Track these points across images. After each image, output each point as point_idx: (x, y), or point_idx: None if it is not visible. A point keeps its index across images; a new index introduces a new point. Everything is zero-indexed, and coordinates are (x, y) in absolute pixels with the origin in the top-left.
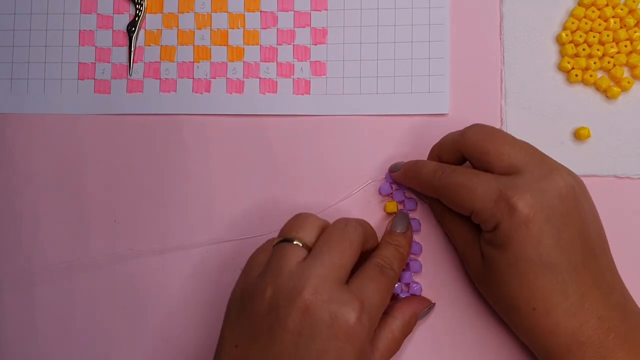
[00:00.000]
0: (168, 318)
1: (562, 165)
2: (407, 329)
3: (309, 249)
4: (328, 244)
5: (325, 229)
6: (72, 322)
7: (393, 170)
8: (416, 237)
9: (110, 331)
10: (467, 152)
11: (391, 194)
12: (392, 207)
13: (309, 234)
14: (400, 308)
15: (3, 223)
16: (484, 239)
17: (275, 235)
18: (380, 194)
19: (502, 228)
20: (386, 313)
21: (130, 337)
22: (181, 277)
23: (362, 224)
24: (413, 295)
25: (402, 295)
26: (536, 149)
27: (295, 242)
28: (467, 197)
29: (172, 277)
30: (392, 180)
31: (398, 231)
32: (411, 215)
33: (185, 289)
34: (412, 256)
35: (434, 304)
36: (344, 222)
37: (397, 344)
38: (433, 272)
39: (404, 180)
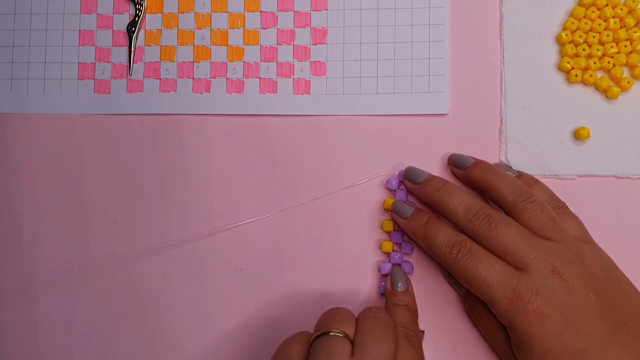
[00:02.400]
0: (168, 318)
1: (571, 243)
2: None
3: (350, 341)
4: (372, 336)
5: (357, 320)
6: (72, 322)
7: (398, 212)
8: (408, 238)
9: (110, 331)
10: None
11: (394, 191)
12: (391, 203)
13: (348, 326)
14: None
15: (3, 223)
16: (513, 343)
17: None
18: (386, 187)
19: (520, 326)
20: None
21: (130, 337)
22: (181, 277)
23: (387, 313)
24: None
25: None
26: (539, 241)
27: (333, 334)
28: (483, 289)
29: (172, 277)
30: (402, 178)
31: (399, 289)
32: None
33: (185, 289)
34: (404, 257)
35: (422, 331)
36: (375, 310)
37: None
38: (424, 274)
39: (412, 231)
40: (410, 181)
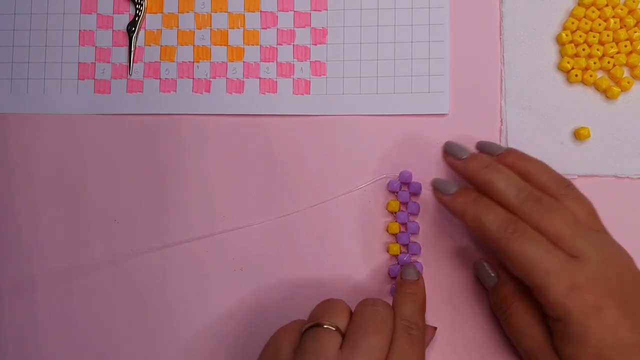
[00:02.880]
0: (168, 318)
1: (615, 243)
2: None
3: (342, 334)
4: (363, 329)
5: (352, 313)
6: (72, 321)
7: (441, 189)
8: (415, 239)
9: (110, 331)
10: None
11: (397, 192)
12: (394, 206)
13: (340, 319)
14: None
15: (3, 223)
16: (558, 337)
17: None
18: (388, 190)
19: (577, 317)
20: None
21: (130, 337)
22: (181, 277)
23: (387, 304)
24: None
25: None
26: (592, 232)
27: (326, 326)
28: (540, 273)
29: (172, 277)
30: (404, 180)
31: (408, 278)
32: (411, 219)
33: (185, 289)
34: (412, 258)
35: (434, 328)
36: (372, 302)
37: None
38: (434, 273)
39: (460, 208)
40: (452, 156)
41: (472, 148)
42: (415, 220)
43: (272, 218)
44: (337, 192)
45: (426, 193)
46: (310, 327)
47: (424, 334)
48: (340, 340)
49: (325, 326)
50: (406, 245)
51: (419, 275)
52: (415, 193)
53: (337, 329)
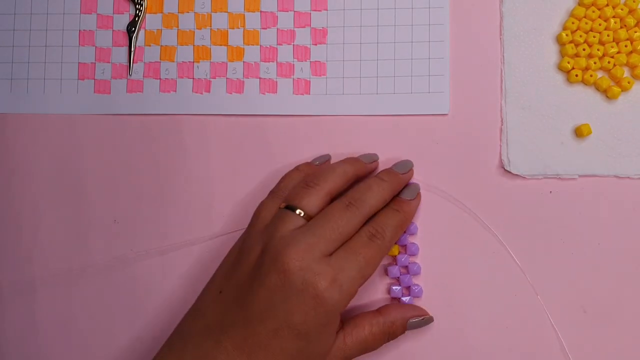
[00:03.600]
0: (168, 318)
1: None
2: (391, 331)
3: (309, 219)
4: (326, 219)
5: (331, 197)
6: (72, 321)
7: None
8: (413, 239)
9: (110, 331)
10: None
11: None
12: None
13: (312, 205)
14: (389, 309)
15: (3, 223)
16: None
17: None
18: None
19: None
20: (376, 310)
21: (131, 337)
22: (181, 277)
23: (364, 211)
24: (410, 304)
25: (404, 299)
26: None
27: (297, 212)
28: None
29: (172, 277)
30: None
31: (404, 197)
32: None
33: (185, 289)
34: (410, 258)
35: (431, 317)
36: (347, 203)
37: (374, 340)
38: (433, 274)
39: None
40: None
41: (471, 149)
42: (413, 221)
43: None
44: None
45: (424, 194)
46: (284, 208)
47: (388, 247)
48: (303, 223)
49: (296, 212)
50: (404, 246)
51: (417, 196)
52: None
53: (306, 215)
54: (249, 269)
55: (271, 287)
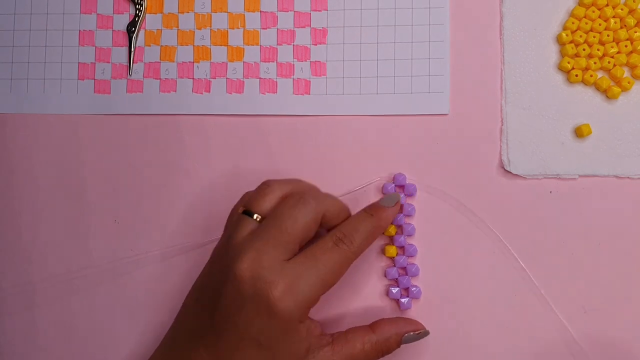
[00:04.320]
0: (168, 318)
1: None
2: (383, 348)
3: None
4: (272, 221)
5: (286, 197)
6: (72, 321)
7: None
8: (411, 240)
9: (110, 332)
10: None
11: None
12: None
13: (266, 206)
14: (382, 324)
15: (3, 223)
16: None
17: None
18: (382, 193)
19: None
20: (368, 325)
21: (130, 337)
22: (181, 277)
23: (321, 200)
24: (405, 317)
25: (402, 300)
26: None
27: (255, 217)
28: None
29: (172, 277)
30: (399, 183)
31: (382, 204)
32: (407, 221)
33: (185, 289)
34: (408, 260)
35: (427, 331)
36: (298, 197)
37: (365, 357)
38: (431, 275)
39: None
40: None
41: (471, 149)
42: (411, 222)
43: None
44: (337, 192)
45: (421, 195)
46: (242, 213)
47: (356, 253)
48: (256, 226)
49: (254, 216)
50: (402, 248)
51: (396, 204)
52: (411, 195)
53: (261, 219)
54: (214, 277)
55: (228, 297)
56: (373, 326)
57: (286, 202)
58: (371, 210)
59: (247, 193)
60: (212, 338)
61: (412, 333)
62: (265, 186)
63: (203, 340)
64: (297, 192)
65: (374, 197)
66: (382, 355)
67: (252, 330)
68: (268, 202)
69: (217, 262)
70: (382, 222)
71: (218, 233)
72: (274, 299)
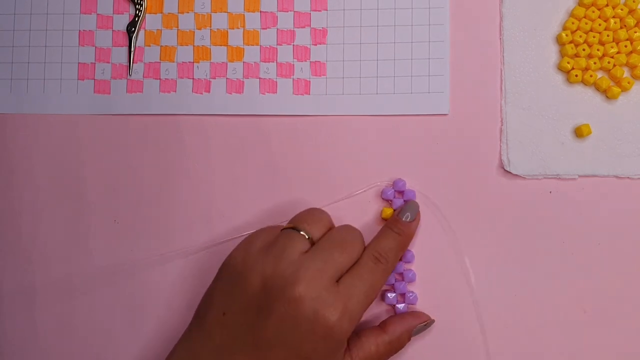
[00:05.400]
0: (168, 318)
1: None
2: (396, 346)
3: (313, 243)
4: (330, 242)
5: (331, 228)
6: (72, 322)
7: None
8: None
9: (110, 332)
10: None
11: (391, 200)
12: (389, 214)
13: (317, 230)
14: (392, 324)
15: (3, 223)
16: None
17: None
18: (382, 197)
19: None
20: (378, 326)
21: (130, 337)
22: (181, 277)
23: (362, 235)
24: (411, 311)
25: (398, 306)
26: None
27: (302, 233)
28: None
29: (172, 278)
30: (398, 189)
31: (404, 219)
32: None
33: (185, 289)
34: (405, 265)
35: (433, 320)
36: (349, 228)
37: (380, 357)
38: (428, 280)
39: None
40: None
41: (471, 149)
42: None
43: (272, 224)
44: (337, 192)
45: (419, 200)
46: (287, 229)
47: (391, 270)
48: (309, 247)
49: (301, 232)
50: None
51: (416, 216)
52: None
53: (311, 239)
54: (254, 291)
55: (281, 316)
56: (383, 326)
57: (340, 229)
58: (397, 228)
59: (295, 216)
60: (251, 356)
61: (420, 325)
62: (318, 210)
63: (238, 357)
64: (346, 225)
65: (373, 201)
66: (396, 352)
67: (304, 349)
68: (320, 225)
69: (252, 276)
70: (408, 238)
71: (218, 233)
72: (333, 322)
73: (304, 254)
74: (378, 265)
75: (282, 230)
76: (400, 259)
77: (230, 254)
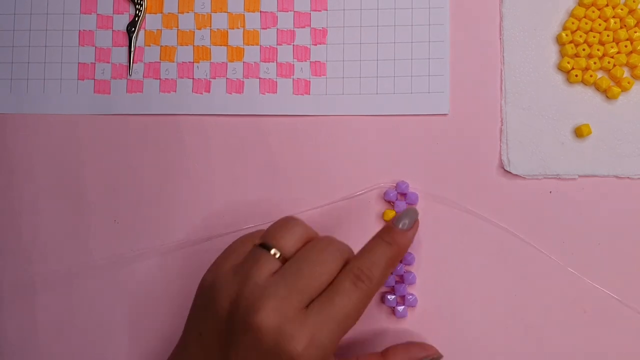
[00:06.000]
0: (168, 318)
1: None
2: None
3: (285, 261)
4: (302, 261)
5: (309, 240)
6: (72, 322)
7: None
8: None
9: (110, 332)
10: None
11: (394, 202)
12: (391, 216)
13: (290, 244)
14: (395, 353)
15: (3, 223)
16: None
17: None
18: (384, 199)
19: None
20: (380, 353)
21: (130, 337)
22: (181, 277)
23: (346, 250)
24: (418, 342)
25: (398, 308)
26: None
27: (272, 252)
28: None
29: (172, 277)
30: (401, 191)
31: (400, 226)
32: None
33: (185, 289)
34: (405, 267)
35: (441, 355)
36: (327, 243)
37: None
38: (429, 283)
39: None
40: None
41: (471, 149)
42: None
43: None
44: (337, 192)
45: (422, 203)
46: (258, 246)
47: (376, 289)
48: (278, 266)
49: (271, 251)
50: None
51: (413, 225)
52: (412, 204)
53: (282, 257)
54: (223, 314)
55: (246, 346)
56: (385, 355)
57: (315, 245)
58: (388, 237)
59: (267, 229)
60: None
61: (426, 359)
62: (291, 221)
63: None
64: (325, 237)
65: (374, 203)
66: None
67: None
68: (293, 239)
69: (221, 297)
70: (401, 249)
71: (217, 233)
72: (297, 355)
73: (272, 275)
74: (358, 285)
75: (254, 245)
76: (400, 261)
77: (204, 274)
